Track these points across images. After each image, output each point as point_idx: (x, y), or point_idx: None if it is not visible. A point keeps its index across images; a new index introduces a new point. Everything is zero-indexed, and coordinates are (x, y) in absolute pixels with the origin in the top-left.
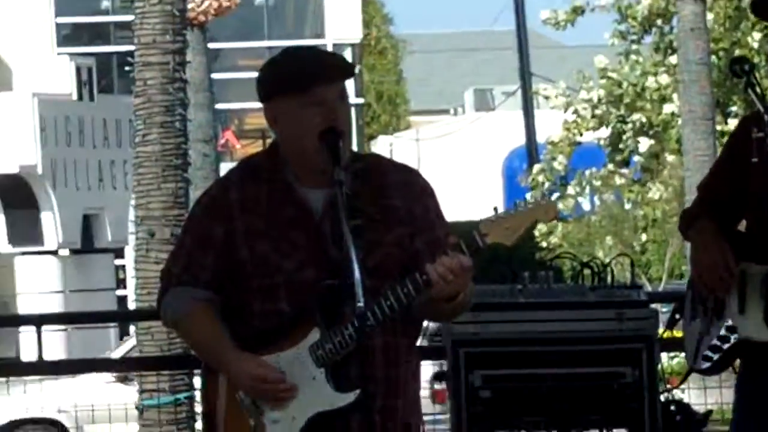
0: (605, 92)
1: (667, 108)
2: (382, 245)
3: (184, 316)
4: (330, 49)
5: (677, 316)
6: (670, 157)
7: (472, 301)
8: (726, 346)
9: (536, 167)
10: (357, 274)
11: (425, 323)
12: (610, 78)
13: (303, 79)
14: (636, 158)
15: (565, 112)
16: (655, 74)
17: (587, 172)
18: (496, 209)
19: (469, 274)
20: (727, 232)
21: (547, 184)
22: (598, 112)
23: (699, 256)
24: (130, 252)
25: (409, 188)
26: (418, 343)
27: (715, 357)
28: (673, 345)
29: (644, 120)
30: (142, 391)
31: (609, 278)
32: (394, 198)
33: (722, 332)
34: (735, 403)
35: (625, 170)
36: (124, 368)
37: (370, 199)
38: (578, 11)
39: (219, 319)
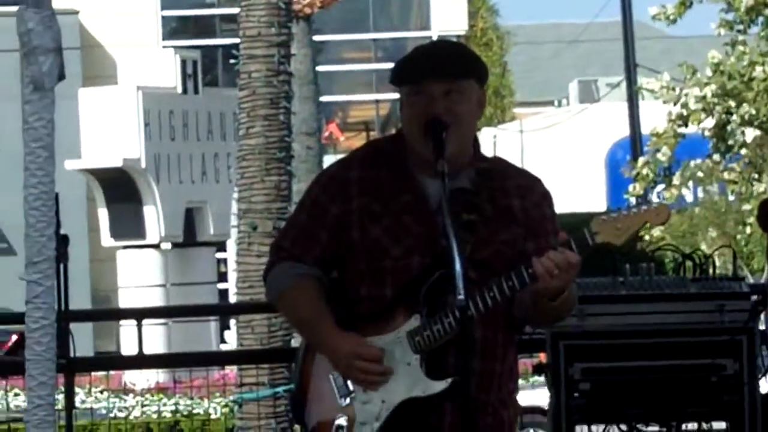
0: (717, 86)
1: None
2: (494, 242)
3: (288, 290)
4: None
5: (760, 308)
6: None
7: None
8: None
9: (641, 159)
10: (458, 265)
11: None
12: (723, 72)
13: (412, 71)
14: (743, 151)
15: (675, 105)
16: (762, 64)
17: (692, 163)
18: (609, 209)
19: (575, 271)
20: None
21: (651, 176)
22: (705, 105)
23: None
24: (231, 245)
25: (529, 193)
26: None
27: None
28: None
29: (752, 111)
30: (241, 384)
31: (711, 270)
32: (512, 199)
33: None
34: None
35: (732, 164)
36: (225, 362)
37: (489, 198)
38: (686, 3)
39: (323, 296)
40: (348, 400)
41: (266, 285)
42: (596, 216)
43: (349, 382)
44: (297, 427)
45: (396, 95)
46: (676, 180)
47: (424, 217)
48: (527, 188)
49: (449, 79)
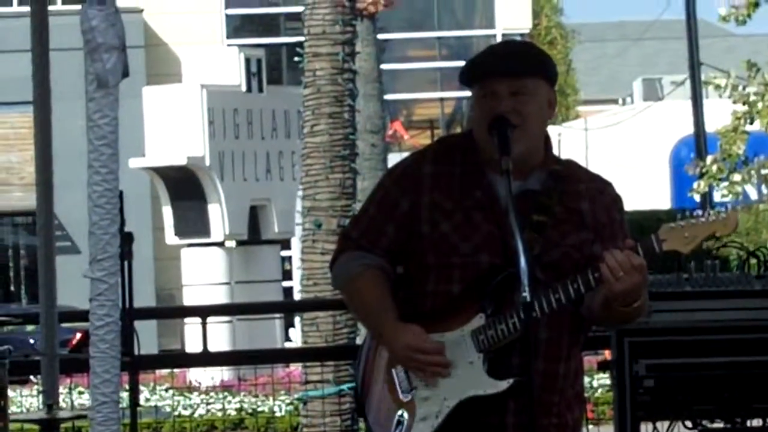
0: None
1: None
2: (563, 245)
3: (353, 278)
4: (498, 39)
5: None
6: None
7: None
8: None
9: (709, 157)
10: (523, 263)
11: None
12: None
13: (477, 72)
14: None
15: (744, 105)
16: None
17: (755, 160)
18: (678, 216)
19: (641, 275)
20: None
21: (718, 174)
22: None
23: None
24: (296, 243)
25: (599, 197)
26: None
27: None
28: None
29: None
30: (306, 382)
31: None
32: (583, 203)
33: None
34: None
35: None
36: (290, 359)
37: (559, 200)
38: (757, 2)
39: (387, 287)
40: (410, 396)
41: (332, 272)
42: (665, 223)
43: (411, 377)
44: (362, 424)
45: (460, 93)
46: (737, 177)
47: (494, 215)
48: (598, 192)
49: (513, 78)
